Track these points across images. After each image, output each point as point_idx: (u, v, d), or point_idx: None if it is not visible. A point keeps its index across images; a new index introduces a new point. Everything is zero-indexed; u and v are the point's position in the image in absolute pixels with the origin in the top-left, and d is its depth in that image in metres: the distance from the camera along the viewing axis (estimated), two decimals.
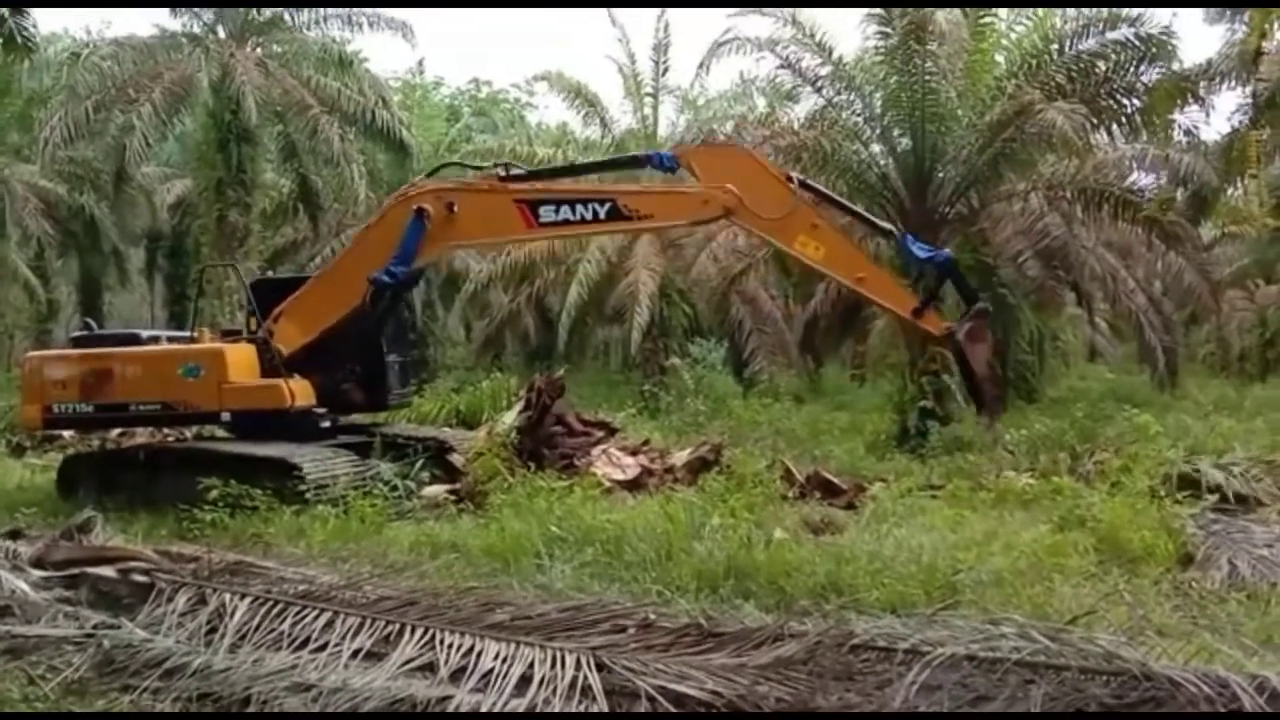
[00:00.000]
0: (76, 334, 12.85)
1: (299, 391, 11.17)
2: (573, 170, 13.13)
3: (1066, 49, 15.49)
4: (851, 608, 6.28)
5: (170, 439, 13.33)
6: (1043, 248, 19.47)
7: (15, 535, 8.01)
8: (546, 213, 10.91)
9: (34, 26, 12.17)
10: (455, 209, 11.05)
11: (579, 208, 10.89)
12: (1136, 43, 14.96)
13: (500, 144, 28.53)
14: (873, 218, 11.43)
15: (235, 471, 9.85)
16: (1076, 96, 14.79)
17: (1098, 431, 13.43)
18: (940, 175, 15.67)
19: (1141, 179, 22.96)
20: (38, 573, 6.91)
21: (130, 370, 11.13)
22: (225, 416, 11.16)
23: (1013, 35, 16.20)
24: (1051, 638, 5.18)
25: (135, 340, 11.83)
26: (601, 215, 10.87)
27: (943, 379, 14.85)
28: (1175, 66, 15.47)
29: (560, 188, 11.32)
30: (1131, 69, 15.20)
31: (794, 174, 11.12)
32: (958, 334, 10.47)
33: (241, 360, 11.08)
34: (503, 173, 11.49)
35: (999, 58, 16.32)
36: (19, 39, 11.60)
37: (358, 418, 12.46)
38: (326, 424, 11.58)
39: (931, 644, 5.24)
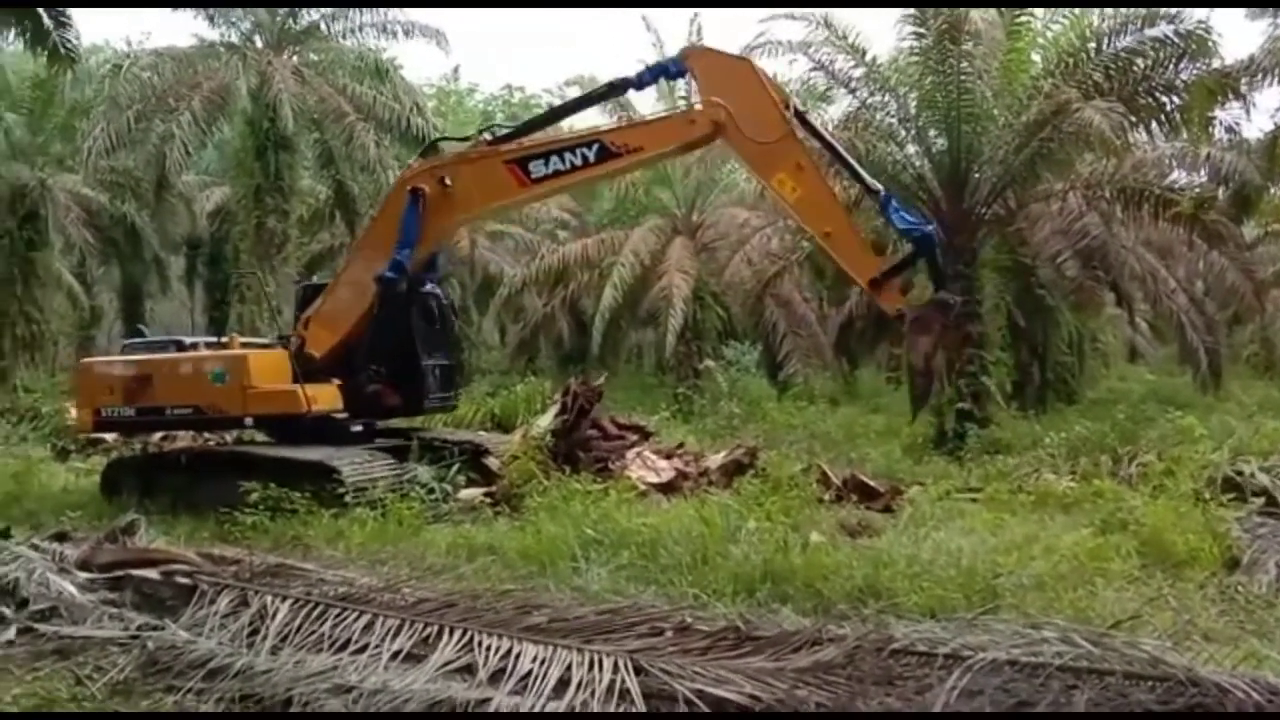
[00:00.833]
0: (128, 341, 13.10)
1: (322, 397, 11.17)
2: (558, 114, 12.35)
3: (1104, 47, 15.31)
4: (890, 612, 6.23)
5: (211, 443, 13.50)
6: (1081, 248, 19.25)
7: (61, 538, 8.13)
8: (537, 168, 10.75)
9: (76, 38, 12.37)
10: (448, 183, 10.96)
11: (567, 156, 10.68)
12: (1175, 39, 14.76)
13: None
14: (862, 172, 10.72)
15: (274, 475, 9.96)
16: (1114, 95, 14.61)
17: (1139, 433, 13.27)
18: (976, 176, 15.54)
19: (1181, 178, 22.57)
20: (83, 575, 7.01)
21: (165, 375, 11.36)
22: (248, 421, 11.37)
23: (1049, 34, 16.05)
24: (1095, 642, 5.11)
25: (179, 347, 12.01)
26: (591, 159, 10.61)
27: (980, 381, 14.74)
28: (1215, 63, 15.23)
29: (546, 140, 11.12)
30: (1170, 66, 14.99)
31: (795, 101, 10.53)
32: (909, 318, 10.04)
33: (265, 365, 11.16)
34: (489, 137, 11.38)
35: (1035, 56, 16.17)
36: (62, 50, 11.80)
37: (397, 421, 12.48)
38: (357, 428, 11.51)
39: (972, 648, 5.18)
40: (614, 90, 11.66)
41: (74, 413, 12.96)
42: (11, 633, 6.20)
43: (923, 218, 10.39)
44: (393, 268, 11.02)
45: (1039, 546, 8.00)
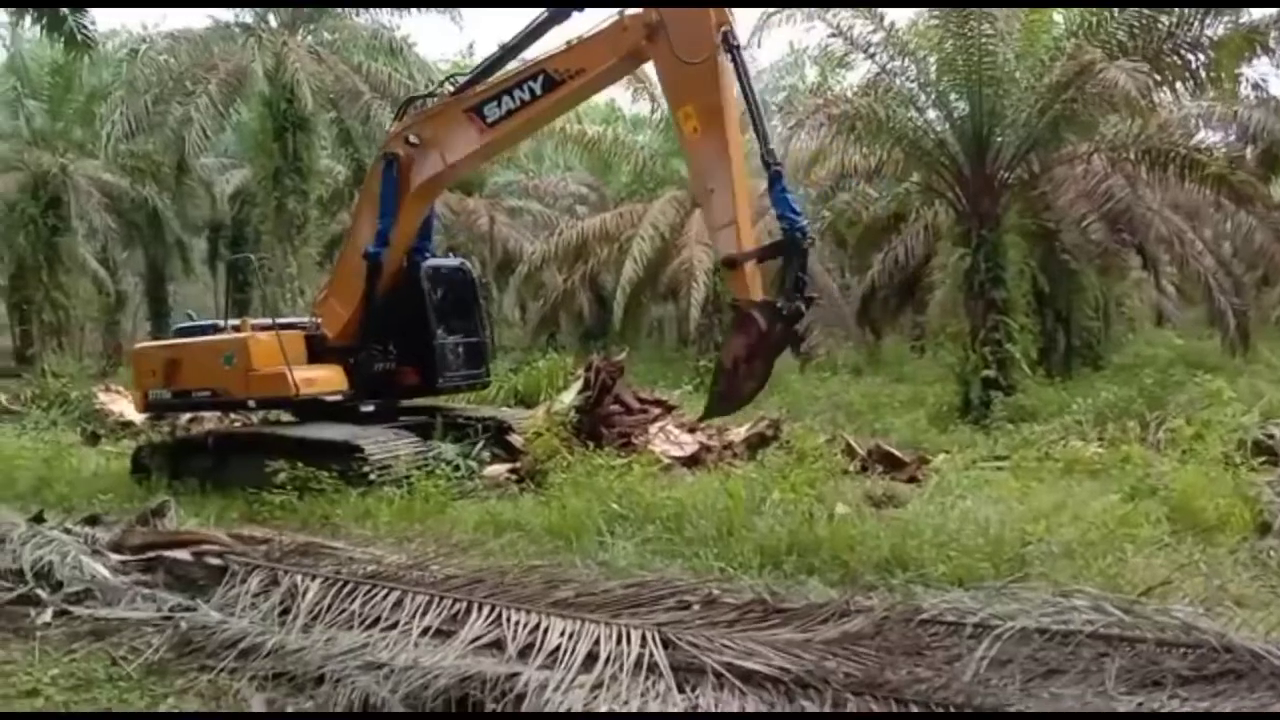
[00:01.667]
0: (179, 325, 13.34)
1: (322, 379, 11.19)
2: (510, 52, 11.24)
3: (1127, 5, 15.04)
4: (918, 582, 6.22)
5: (237, 424, 13.62)
6: (1106, 211, 19.00)
7: (94, 521, 8.23)
8: (491, 111, 10.48)
9: (92, 24, 12.39)
10: (415, 142, 10.81)
11: (516, 93, 10.37)
12: None
13: (551, 124, 28.60)
14: (769, 140, 9.72)
15: (299, 455, 10.02)
16: (1139, 54, 14.36)
17: (1167, 398, 13.11)
18: (999, 139, 15.35)
19: (1208, 137, 22.29)
20: (116, 557, 7.09)
21: (190, 359, 11.59)
22: (251, 403, 11.54)
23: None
24: (1125, 610, 5.08)
25: (217, 331, 12.14)
26: (538, 91, 10.25)
27: (1006, 348, 14.62)
28: (1244, 18, 14.94)
29: (496, 81, 10.76)
30: (1196, 23, 14.70)
31: (731, 23, 9.46)
32: (738, 311, 9.26)
33: (267, 348, 11.14)
34: (451, 88, 11.18)
35: (1057, 17, 15.91)
36: (79, 36, 11.82)
37: (425, 399, 12.47)
38: (368, 408, 11.43)
39: (1001, 618, 5.15)
40: (557, 14, 10.69)
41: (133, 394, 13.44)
42: (48, 615, 6.28)
43: (801, 217, 9.30)
44: (377, 240, 11.01)
45: (1067, 514, 7.94)
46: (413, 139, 10.89)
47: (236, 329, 12.03)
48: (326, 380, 11.27)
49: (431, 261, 12.17)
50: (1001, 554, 6.79)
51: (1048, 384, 15.87)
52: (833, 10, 15.87)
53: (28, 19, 12.41)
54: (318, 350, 11.47)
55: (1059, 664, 4.84)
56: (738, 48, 9.40)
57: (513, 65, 11.02)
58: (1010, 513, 7.87)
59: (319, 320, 11.80)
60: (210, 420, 14.16)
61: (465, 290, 12.46)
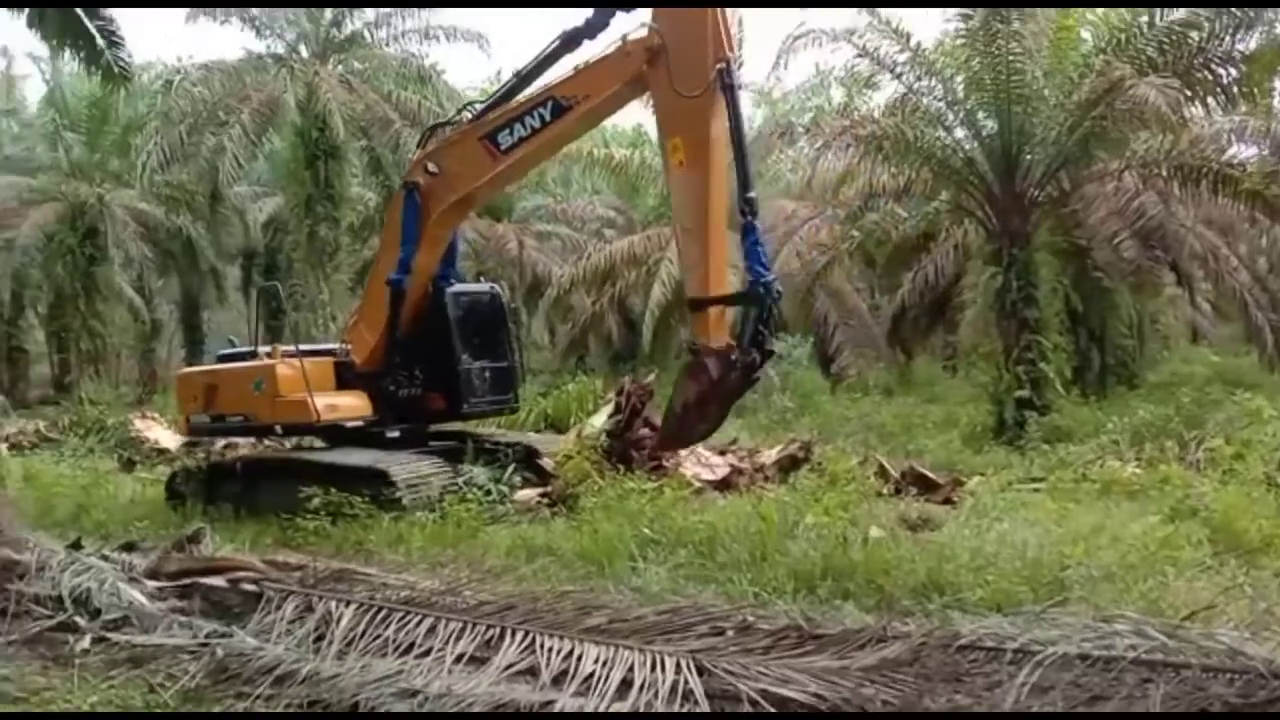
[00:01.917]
0: (220, 351, 13.58)
1: (345, 405, 11.31)
2: (520, 79, 11.13)
3: (1157, 21, 14.96)
4: (955, 606, 6.14)
5: (268, 450, 13.73)
6: (1139, 227, 18.84)
7: (130, 548, 8.29)
8: (504, 138, 10.56)
9: (129, 57, 12.62)
10: (434, 170, 10.90)
11: (527, 120, 10.45)
12: (1232, 10, 14.36)
13: (577, 148, 28.78)
14: (750, 180, 9.50)
15: (326, 480, 10.10)
16: (1169, 69, 14.27)
17: (1205, 417, 12.92)
18: (1028, 157, 15.28)
19: (1241, 152, 22.01)
20: (152, 583, 7.14)
21: (225, 384, 11.79)
22: (278, 429, 11.65)
23: (1099, 10, 15.71)
24: (1169, 634, 4.98)
25: (254, 357, 12.28)
26: (548, 117, 10.33)
27: (1039, 367, 14.48)
28: (1278, 31, 14.80)
29: (509, 108, 10.84)
30: (1227, 37, 14.60)
31: (729, 70, 9.29)
32: (695, 355, 9.27)
33: (291, 375, 11.27)
34: (469, 115, 11.30)
35: (1085, 34, 15.85)
36: (116, 69, 12.04)
37: (454, 424, 12.51)
38: (394, 434, 11.48)
39: (1041, 643, 5.07)
40: (568, 43, 10.68)
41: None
42: (86, 642, 6.33)
43: (769, 272, 9.18)
44: (399, 268, 11.12)
45: (1106, 536, 7.82)
46: (431, 168, 11.03)
47: (270, 355, 12.17)
48: (349, 407, 11.37)
49: (459, 287, 12.23)
50: (1040, 578, 6.69)
51: (1083, 403, 15.70)
52: (858, 31, 15.92)
53: (67, 53, 12.63)
54: (346, 377, 11.58)
55: (1102, 690, 4.75)
56: (733, 87, 9.36)
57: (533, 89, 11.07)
58: (1048, 535, 7.77)
59: (348, 347, 11.91)
60: (245, 446, 14.28)
61: (494, 315, 12.47)
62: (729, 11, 9.90)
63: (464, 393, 11.71)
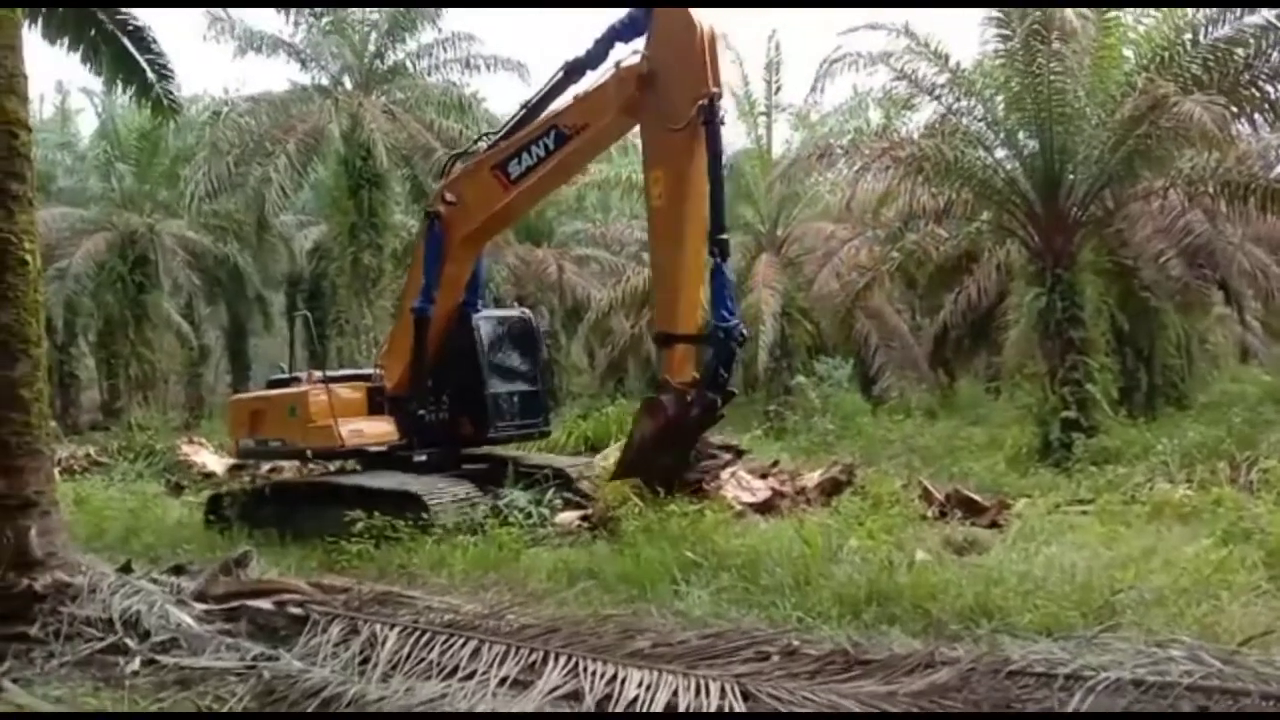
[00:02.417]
0: (271, 377, 13.99)
1: (371, 431, 11.53)
2: (529, 110, 11.34)
3: (1201, 38, 14.78)
4: (1004, 631, 6.05)
5: (303, 474, 13.91)
6: (1185, 246, 18.55)
7: (179, 570, 8.40)
8: (514, 168, 10.68)
9: (178, 90, 12.88)
10: (454, 200, 11.03)
11: (534, 149, 10.55)
12: (1279, 24, 14.16)
13: (616, 172, 28.93)
14: (723, 220, 9.52)
15: (357, 503, 10.24)
16: (1214, 87, 14.06)
17: (1258, 437, 12.66)
18: (1071, 177, 15.11)
19: None
20: (200, 606, 7.24)
21: (266, 410, 12.19)
22: (309, 453, 11.99)
23: (1141, 28, 15.56)
24: (1225, 660, 4.89)
25: (295, 382, 12.57)
26: (551, 146, 10.41)
27: (1086, 388, 14.27)
28: None
29: (517, 138, 10.96)
30: (1274, 52, 14.37)
31: (713, 106, 9.35)
32: (656, 391, 9.47)
33: (321, 401, 11.52)
34: (485, 145, 11.46)
35: (1128, 52, 15.68)
36: (165, 101, 12.28)
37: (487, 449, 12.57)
38: (420, 458, 11.61)
39: (1094, 668, 5.00)
40: (573, 72, 10.81)
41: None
42: (136, 663, 6.42)
43: (733, 317, 9.38)
44: (422, 296, 11.31)
45: (1158, 560, 7.67)
46: (450, 197, 11.21)
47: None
48: (375, 432, 11.61)
49: (488, 312, 12.40)
50: (1090, 602, 6.58)
51: (1130, 424, 15.44)
52: (895, 54, 15.88)
53: (119, 87, 12.92)
54: (378, 402, 11.82)
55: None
56: (712, 122, 9.38)
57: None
58: (1097, 559, 7.64)
59: (381, 372, 12.16)
60: (290, 470, 14.45)
61: (525, 340, 12.54)
62: (724, 47, 10.09)
63: (491, 417, 11.82)
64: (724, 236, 9.55)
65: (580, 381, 31.08)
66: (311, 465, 13.97)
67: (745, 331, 9.80)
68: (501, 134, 11.53)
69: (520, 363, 12.42)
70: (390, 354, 12.23)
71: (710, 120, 9.36)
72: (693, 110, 9.30)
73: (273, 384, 13.18)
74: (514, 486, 11.20)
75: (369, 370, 13.09)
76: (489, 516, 10.31)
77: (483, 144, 11.82)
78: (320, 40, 23.41)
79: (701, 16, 9.70)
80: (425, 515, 10.17)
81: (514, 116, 11.53)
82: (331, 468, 13.28)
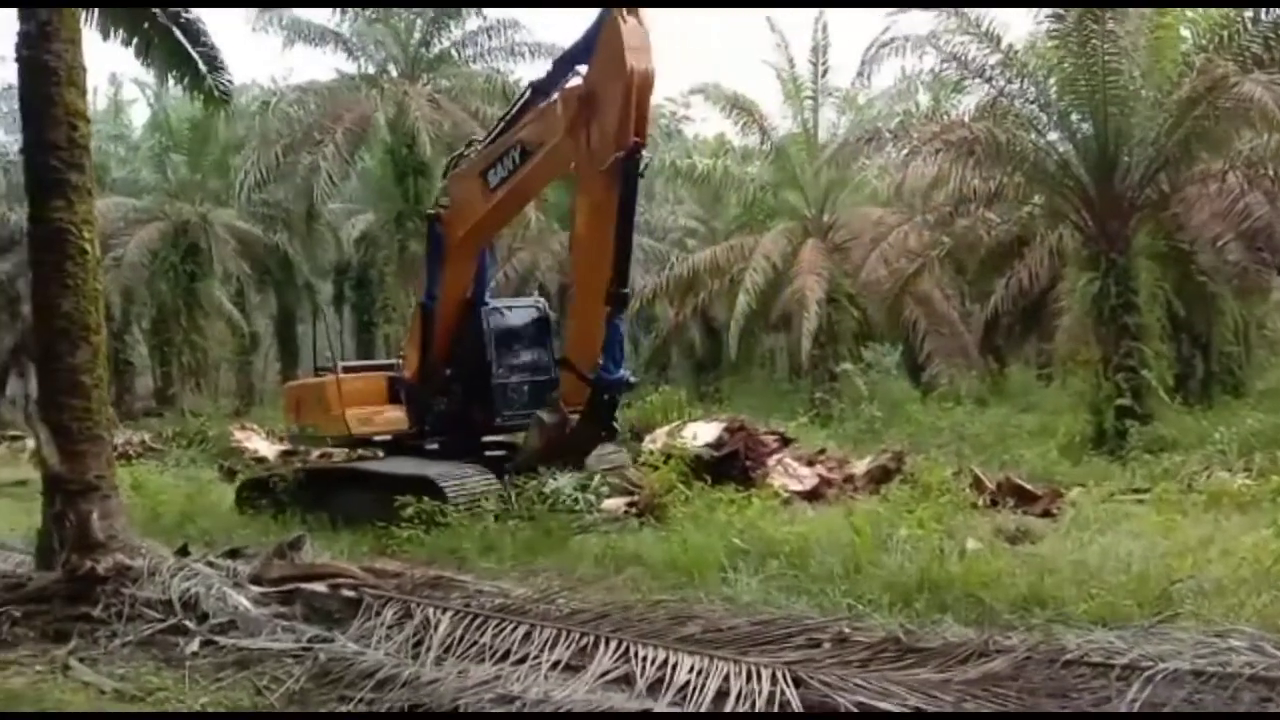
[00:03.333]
0: (317, 365, 14.88)
1: (380, 419, 12.08)
2: (505, 122, 11.37)
3: (1262, 16, 14.40)
4: (1058, 621, 5.98)
5: (332, 459, 14.14)
6: (1244, 230, 18.05)
7: (234, 554, 8.55)
8: (492, 176, 10.82)
9: (230, 81, 13.04)
10: (448, 203, 11.33)
11: (506, 160, 10.67)
12: None
13: (660, 158, 28.84)
14: (626, 274, 9.63)
15: (380, 487, 10.72)
16: (1276, 66, 13.71)
17: None
18: (1126, 159, 14.82)
19: None
20: (256, 589, 7.36)
21: (303, 398, 13.03)
22: (329, 440, 12.65)
23: (1199, 7, 15.19)
24: None
25: (331, 371, 12.95)
26: (518, 161, 10.49)
27: (1141, 375, 14.02)
28: None
29: (492, 148, 11.12)
30: None
31: (638, 154, 9.23)
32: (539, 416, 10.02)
33: (345, 390, 12.05)
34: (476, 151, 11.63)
35: (1185, 31, 15.33)
36: (217, 93, 12.44)
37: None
38: (432, 445, 11.88)
39: (1151, 658, 4.93)
40: (537, 93, 10.90)
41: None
42: (195, 644, 6.56)
43: (619, 368, 9.57)
44: (426, 293, 11.66)
45: (1216, 549, 7.55)
46: (443, 200, 11.37)
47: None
48: (385, 420, 12.10)
49: (497, 303, 12.56)
50: (1147, 592, 6.49)
51: (1186, 412, 15.17)
52: (945, 37, 15.65)
53: (171, 79, 13.11)
54: (397, 391, 12.33)
55: (1218, 708, 4.58)
56: (630, 175, 9.23)
57: None
58: (1154, 548, 7.53)
59: (402, 362, 12.71)
60: (339, 455, 14.63)
61: (536, 329, 12.52)
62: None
63: (499, 406, 11.90)
64: (624, 290, 9.62)
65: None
66: (361, 451, 14.17)
67: (632, 380, 10.16)
68: (485, 141, 11.76)
69: (533, 351, 12.46)
70: (409, 345, 12.65)
71: (627, 172, 9.21)
72: (615, 153, 9.14)
73: (317, 371, 13.84)
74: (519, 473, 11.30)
75: (387, 361, 13.66)
76: (515, 502, 10.39)
77: (476, 147, 11.95)
78: (366, 30, 23.59)
79: (637, 59, 9.09)
80: (438, 496, 10.33)
81: (494, 127, 11.71)
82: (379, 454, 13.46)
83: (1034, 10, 15.27)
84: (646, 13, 9.44)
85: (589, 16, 9.94)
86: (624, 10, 9.20)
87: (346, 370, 13.03)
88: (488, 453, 11.91)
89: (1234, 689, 4.67)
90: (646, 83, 9.17)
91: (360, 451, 13.18)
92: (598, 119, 9.30)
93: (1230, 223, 18.09)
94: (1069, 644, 5.29)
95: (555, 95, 10.34)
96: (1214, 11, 14.99)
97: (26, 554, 8.66)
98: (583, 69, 10.06)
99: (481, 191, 11.00)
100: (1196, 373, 18.82)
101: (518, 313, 12.66)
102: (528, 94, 11.07)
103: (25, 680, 6.14)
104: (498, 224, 12.73)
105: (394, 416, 12.12)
